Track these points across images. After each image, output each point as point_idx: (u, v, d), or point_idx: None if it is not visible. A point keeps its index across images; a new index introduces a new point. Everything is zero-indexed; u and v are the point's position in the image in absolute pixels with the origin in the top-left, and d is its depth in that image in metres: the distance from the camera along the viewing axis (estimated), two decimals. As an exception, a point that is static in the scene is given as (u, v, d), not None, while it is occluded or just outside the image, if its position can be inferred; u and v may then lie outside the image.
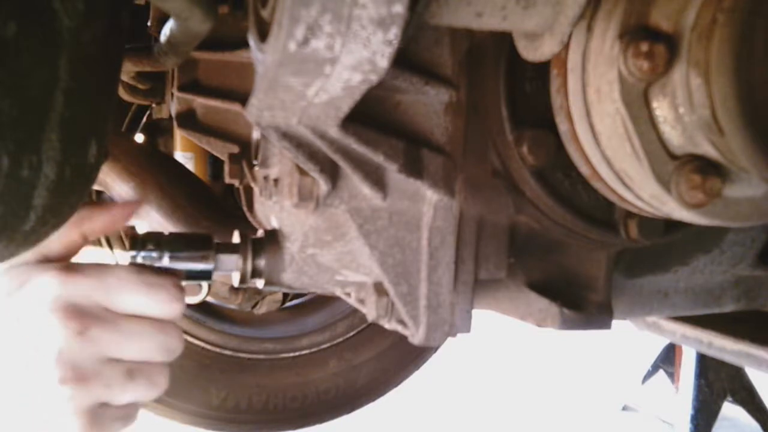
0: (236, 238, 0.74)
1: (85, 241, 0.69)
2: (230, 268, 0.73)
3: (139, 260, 0.68)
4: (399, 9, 0.41)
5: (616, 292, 0.81)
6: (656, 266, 0.85)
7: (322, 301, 1.96)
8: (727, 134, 0.48)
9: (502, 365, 4.35)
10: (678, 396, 3.20)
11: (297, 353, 1.88)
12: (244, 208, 1.03)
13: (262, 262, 0.73)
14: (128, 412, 0.64)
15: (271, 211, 0.76)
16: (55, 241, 0.65)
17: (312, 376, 1.87)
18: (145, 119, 1.87)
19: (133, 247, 0.69)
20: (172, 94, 1.15)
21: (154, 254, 0.69)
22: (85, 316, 0.61)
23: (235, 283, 0.75)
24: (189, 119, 1.15)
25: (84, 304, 0.62)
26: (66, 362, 0.60)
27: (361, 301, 0.77)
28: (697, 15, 0.47)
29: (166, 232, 0.72)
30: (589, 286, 0.74)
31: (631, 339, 3.53)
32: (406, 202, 0.67)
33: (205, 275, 0.72)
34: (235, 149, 1.02)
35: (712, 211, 0.53)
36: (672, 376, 3.49)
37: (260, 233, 0.76)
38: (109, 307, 0.63)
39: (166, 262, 0.69)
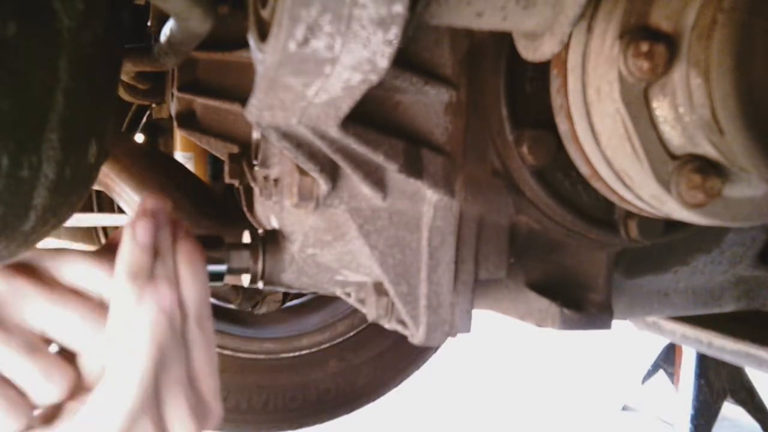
0: (246, 238, 0.74)
1: None
2: (242, 269, 0.72)
3: None
4: (399, 9, 0.41)
5: (616, 292, 0.81)
6: (656, 266, 0.85)
7: (322, 301, 1.96)
8: (727, 134, 0.48)
9: (502, 365, 4.36)
10: (678, 396, 3.20)
11: (297, 353, 1.88)
12: (244, 208, 1.03)
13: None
14: (14, 401, 0.55)
15: (271, 211, 0.76)
16: None
17: (312, 376, 1.87)
18: (145, 119, 1.87)
19: None
20: (172, 94, 1.15)
21: None
22: (17, 268, 0.58)
23: (245, 283, 0.74)
24: (189, 119, 1.15)
25: (27, 262, 0.59)
26: None
27: (361, 301, 0.77)
28: (697, 15, 0.47)
29: None
30: (589, 286, 0.75)
31: (631, 339, 3.53)
32: (406, 202, 0.67)
33: (218, 277, 0.71)
34: (235, 149, 1.02)
35: (712, 211, 0.53)
36: (672, 376, 3.49)
37: (260, 233, 0.76)
38: (54, 273, 0.59)
39: None
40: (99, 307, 0.59)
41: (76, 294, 0.59)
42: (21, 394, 0.56)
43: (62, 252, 0.61)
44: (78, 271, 0.60)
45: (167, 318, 0.57)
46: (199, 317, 0.62)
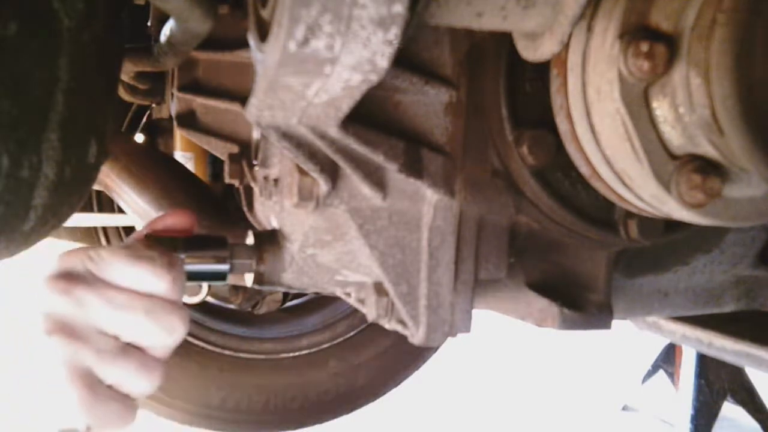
0: (250, 238, 0.74)
1: None
2: (245, 270, 0.72)
3: None
4: (399, 9, 0.41)
5: (616, 292, 0.81)
6: (656, 266, 0.85)
7: (322, 301, 1.96)
8: (727, 134, 0.48)
9: (502, 365, 4.36)
10: (678, 396, 3.20)
11: (297, 353, 1.88)
12: (244, 208, 1.03)
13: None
14: (123, 399, 0.62)
15: (271, 211, 0.76)
16: None
17: (312, 376, 1.87)
18: (145, 119, 1.87)
19: None
20: (172, 94, 1.15)
21: None
22: (72, 279, 0.61)
23: (249, 283, 0.74)
24: (189, 119, 1.15)
25: (76, 272, 0.62)
26: (51, 316, 0.60)
27: (361, 301, 0.77)
28: (697, 15, 0.47)
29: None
30: (589, 286, 0.74)
31: (631, 339, 3.53)
32: (406, 202, 0.67)
33: (221, 276, 0.71)
34: (235, 149, 1.02)
35: (712, 211, 0.53)
36: (672, 376, 3.48)
37: (260, 233, 0.76)
38: (101, 276, 0.62)
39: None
40: (152, 300, 0.62)
41: (128, 292, 0.62)
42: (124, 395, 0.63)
43: (99, 254, 0.63)
44: (119, 271, 0.62)
45: None
46: None
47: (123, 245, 0.66)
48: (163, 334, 0.62)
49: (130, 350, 0.62)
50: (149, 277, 0.62)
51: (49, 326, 0.59)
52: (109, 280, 0.62)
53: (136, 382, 0.62)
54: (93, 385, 0.60)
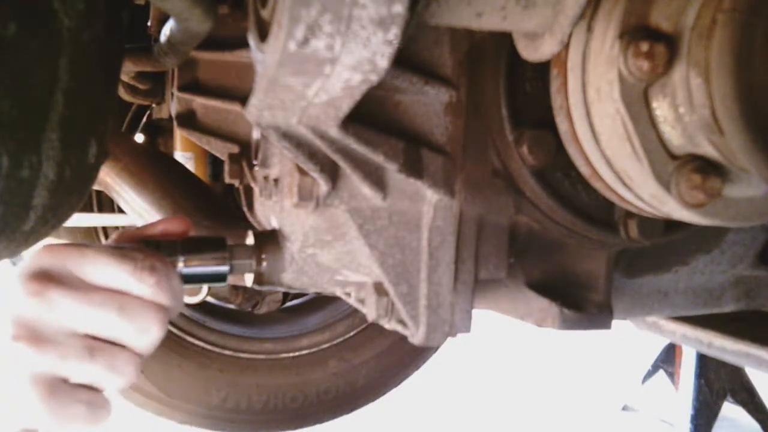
0: (250, 239, 0.74)
1: None
2: (245, 270, 0.72)
3: None
4: (399, 9, 0.41)
5: (616, 292, 0.81)
6: (656, 266, 0.85)
7: (322, 301, 1.96)
8: (727, 134, 0.48)
9: (502, 365, 4.36)
10: (678, 396, 3.20)
11: (297, 353, 1.88)
12: (244, 208, 1.03)
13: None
14: (91, 398, 0.61)
15: (271, 211, 0.76)
16: None
17: (312, 376, 1.87)
18: (145, 119, 1.87)
19: None
20: (172, 94, 1.15)
21: (168, 258, 0.67)
22: (47, 280, 0.60)
23: (249, 284, 0.74)
24: (189, 119, 1.15)
25: (54, 271, 0.61)
26: (20, 321, 0.59)
27: (361, 301, 0.77)
28: (697, 15, 0.47)
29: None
30: (589, 286, 0.74)
31: (631, 339, 3.53)
32: (406, 202, 0.67)
33: (221, 278, 0.71)
34: (235, 149, 1.02)
35: (712, 211, 0.53)
36: (672, 376, 3.49)
37: (260, 233, 0.76)
38: (81, 275, 0.61)
39: (180, 266, 0.68)
40: (128, 298, 0.62)
41: (105, 291, 0.62)
42: (98, 392, 0.62)
43: (82, 252, 0.62)
44: (100, 271, 0.62)
45: None
46: None
47: (111, 244, 0.65)
48: (136, 333, 0.61)
49: (99, 349, 0.61)
50: (128, 279, 0.61)
51: (16, 331, 0.59)
52: (88, 278, 0.61)
53: (106, 379, 0.61)
54: (55, 389, 0.59)
